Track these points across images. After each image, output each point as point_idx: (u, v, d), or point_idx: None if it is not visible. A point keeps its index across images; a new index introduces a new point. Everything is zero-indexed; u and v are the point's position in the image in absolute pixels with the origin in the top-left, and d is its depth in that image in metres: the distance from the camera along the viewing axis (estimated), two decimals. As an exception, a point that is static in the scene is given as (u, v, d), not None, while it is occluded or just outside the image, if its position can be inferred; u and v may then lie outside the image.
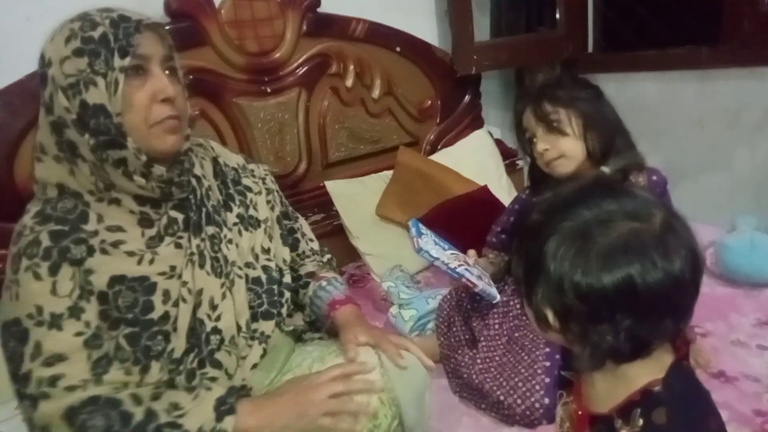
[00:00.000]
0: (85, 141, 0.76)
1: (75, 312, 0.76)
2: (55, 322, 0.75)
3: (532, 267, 0.59)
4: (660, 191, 1.19)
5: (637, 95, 2.26)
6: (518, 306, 1.26)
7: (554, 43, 2.30)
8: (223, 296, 0.87)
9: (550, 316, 0.59)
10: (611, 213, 0.56)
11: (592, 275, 0.54)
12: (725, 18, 1.93)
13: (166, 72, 0.81)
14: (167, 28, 1.50)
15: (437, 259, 1.11)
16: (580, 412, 0.66)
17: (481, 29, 2.37)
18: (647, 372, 0.59)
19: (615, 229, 0.55)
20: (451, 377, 1.25)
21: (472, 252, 1.22)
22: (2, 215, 1.24)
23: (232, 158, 1.04)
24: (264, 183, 1.05)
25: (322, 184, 1.85)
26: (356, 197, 1.84)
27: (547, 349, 1.16)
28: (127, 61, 0.75)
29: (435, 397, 1.14)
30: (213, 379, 0.84)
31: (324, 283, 1.07)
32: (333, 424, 0.81)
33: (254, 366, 0.90)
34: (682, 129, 2.12)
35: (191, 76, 1.58)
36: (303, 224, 1.16)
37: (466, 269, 1.12)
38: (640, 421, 0.56)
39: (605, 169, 1.14)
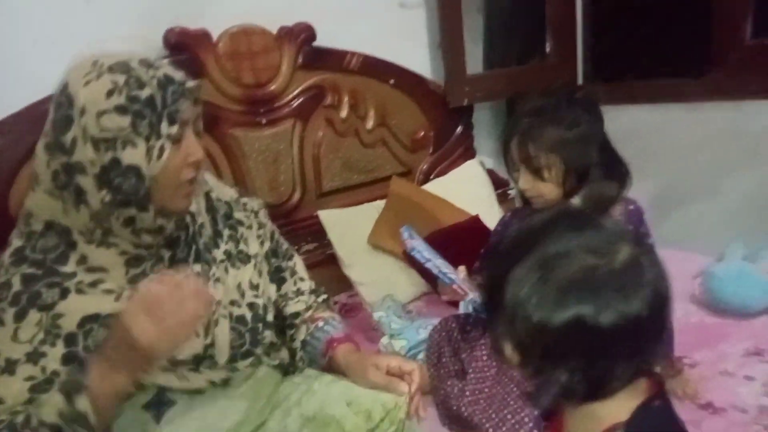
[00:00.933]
0: (99, 195, 0.75)
1: (33, 357, 0.75)
2: (9, 367, 0.75)
3: (492, 296, 0.59)
4: (637, 221, 1.20)
5: (627, 125, 2.28)
6: None
7: (545, 73, 2.35)
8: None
9: (508, 348, 0.58)
10: (571, 247, 0.55)
11: (545, 310, 0.53)
12: (712, 50, 1.98)
13: (195, 132, 0.82)
14: (167, 60, 1.58)
15: (429, 260, 1.11)
16: None
17: (474, 60, 2.42)
18: (613, 413, 0.58)
19: (573, 264, 0.53)
20: (440, 408, 1.25)
21: (462, 268, 1.22)
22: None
23: (225, 192, 1.04)
24: (256, 216, 1.05)
25: (315, 214, 1.87)
26: (349, 226, 1.86)
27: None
28: (175, 129, 0.76)
29: (424, 427, 1.13)
30: None
31: (321, 324, 1.06)
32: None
33: None
34: (672, 158, 2.16)
35: (187, 108, 1.62)
36: (297, 263, 1.14)
37: (458, 278, 1.12)
38: None
39: (575, 201, 1.14)
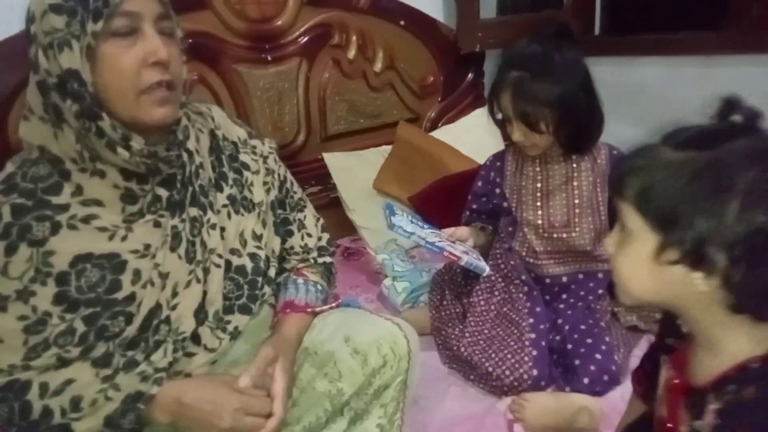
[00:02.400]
0: (68, 107, 0.70)
1: (24, 295, 0.72)
2: (1, 303, 0.72)
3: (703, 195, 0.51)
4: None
5: (641, 79, 2.24)
6: (501, 281, 1.26)
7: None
8: (187, 284, 0.81)
9: (714, 251, 0.51)
10: None
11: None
12: (731, 2, 1.91)
13: (161, 33, 0.73)
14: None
15: (413, 234, 1.07)
16: (676, 381, 0.63)
17: (487, 6, 2.34)
18: (751, 347, 0.55)
19: None
20: (441, 349, 1.26)
21: (448, 230, 1.19)
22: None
23: (233, 131, 0.95)
24: (265, 162, 0.96)
25: (320, 157, 1.84)
26: (354, 170, 1.83)
27: (531, 320, 1.17)
28: (100, 25, 0.68)
29: (424, 367, 1.14)
30: (158, 370, 0.78)
31: (300, 281, 0.97)
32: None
33: (214, 362, 0.85)
34: (682, 115, 2.11)
35: (190, 40, 1.56)
36: (308, 216, 1.04)
37: (449, 244, 1.10)
38: (730, 396, 0.54)
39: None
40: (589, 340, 1.12)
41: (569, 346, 1.13)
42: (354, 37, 1.88)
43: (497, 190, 1.29)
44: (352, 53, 1.89)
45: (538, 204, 1.23)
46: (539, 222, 1.22)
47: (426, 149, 1.88)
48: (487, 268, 1.13)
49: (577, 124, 1.13)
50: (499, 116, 1.19)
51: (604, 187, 1.21)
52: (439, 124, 2.14)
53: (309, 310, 0.94)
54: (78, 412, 0.73)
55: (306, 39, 1.79)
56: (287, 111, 1.80)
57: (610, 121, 2.26)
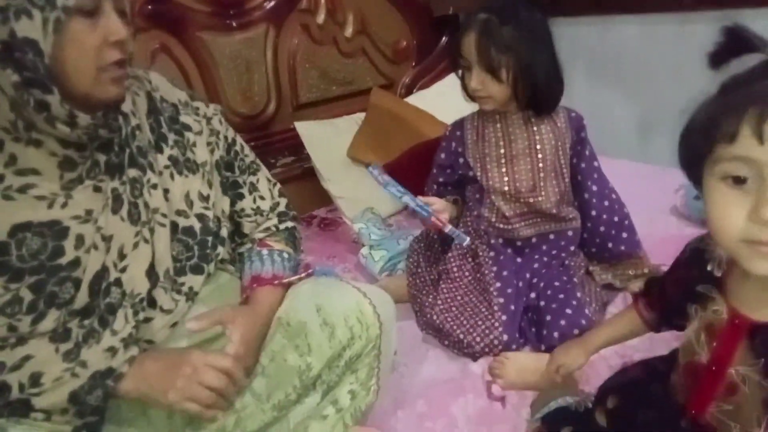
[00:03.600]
0: (6, 75, 0.67)
1: None
2: None
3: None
4: (578, 127, 1.22)
5: (617, 40, 2.22)
6: (472, 248, 1.25)
7: (534, -18, 2.23)
8: (135, 246, 0.80)
9: None
10: None
11: None
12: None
13: (117, 11, 0.73)
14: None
15: (406, 193, 1.08)
16: (737, 321, 0.61)
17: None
18: None
19: None
20: (419, 315, 1.26)
21: (424, 199, 1.17)
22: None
23: (173, 94, 0.94)
24: (209, 123, 0.95)
25: (292, 126, 1.80)
26: (327, 139, 1.80)
27: (498, 284, 1.16)
28: (72, 1, 0.67)
29: (401, 333, 1.14)
30: (124, 340, 0.77)
31: (264, 252, 0.96)
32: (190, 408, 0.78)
33: (174, 324, 0.84)
34: (661, 75, 2.10)
35: (149, 6, 1.50)
36: (260, 179, 1.03)
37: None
38: None
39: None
40: (561, 296, 1.13)
41: (542, 303, 1.14)
42: (323, 1, 1.82)
43: (461, 160, 1.26)
44: (321, 18, 1.83)
45: (504, 170, 1.21)
46: (506, 188, 1.21)
47: (401, 115, 1.85)
48: (467, 239, 1.13)
49: (536, 80, 1.11)
50: (462, 64, 1.15)
51: (565, 150, 1.20)
52: (414, 90, 2.11)
53: (276, 282, 0.93)
54: (38, 387, 0.72)
55: (272, 3, 1.73)
56: (256, 80, 1.75)
57: (588, 82, 2.27)
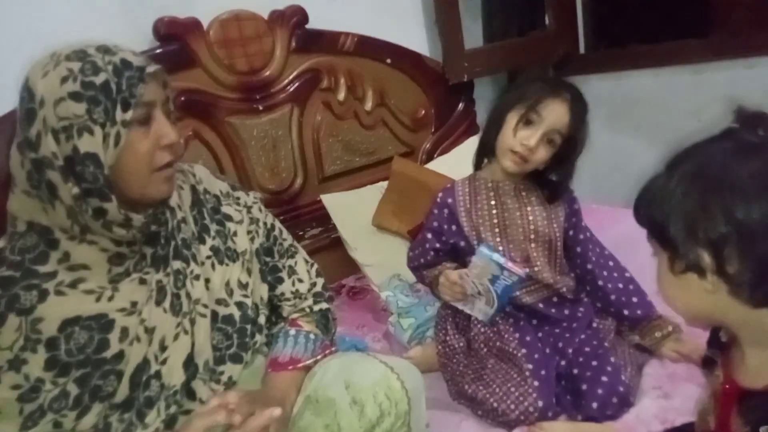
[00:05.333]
0: (67, 188, 0.73)
1: (15, 364, 0.74)
2: None
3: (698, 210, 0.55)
4: (570, 199, 1.26)
5: (632, 91, 2.26)
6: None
7: (545, 44, 2.31)
8: (175, 337, 0.83)
9: (699, 252, 0.55)
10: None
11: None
12: (714, 10, 1.93)
13: (166, 115, 0.80)
14: (158, 51, 1.57)
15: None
16: (727, 386, 0.63)
17: (474, 36, 2.39)
18: None
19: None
20: (450, 384, 1.24)
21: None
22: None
23: (215, 185, 0.99)
24: (249, 212, 0.99)
25: (318, 198, 1.86)
26: (353, 209, 1.85)
27: (524, 350, 1.15)
28: (130, 114, 0.74)
29: (433, 404, 1.13)
30: (146, 426, 0.79)
31: (291, 332, 0.97)
32: None
33: None
34: (679, 121, 2.11)
35: (183, 98, 1.61)
36: (299, 261, 1.06)
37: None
38: None
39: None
40: (594, 362, 1.10)
41: (575, 371, 1.11)
42: (342, 79, 1.92)
43: (453, 227, 1.25)
44: (342, 95, 1.92)
45: (498, 240, 1.22)
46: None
47: (422, 181, 1.89)
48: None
49: (568, 163, 1.17)
50: (530, 118, 1.14)
51: (559, 223, 1.22)
52: (435, 155, 2.16)
53: (291, 367, 0.93)
54: None
55: (296, 85, 1.83)
56: (283, 156, 1.83)
57: (608, 133, 2.29)
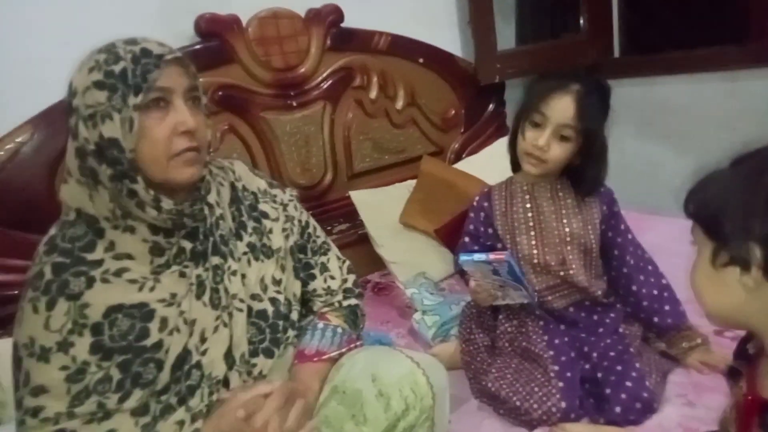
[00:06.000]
0: (103, 170, 0.77)
1: (63, 346, 0.78)
2: (44, 355, 0.77)
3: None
4: (609, 201, 1.25)
5: (665, 97, 2.24)
6: (519, 315, 1.26)
7: (578, 48, 2.30)
8: (215, 330, 0.86)
9: (751, 246, 0.55)
10: None
11: None
12: (752, 16, 1.90)
13: (189, 103, 0.82)
14: (198, 47, 1.62)
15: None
16: (749, 397, 0.63)
17: (506, 37, 2.39)
18: None
19: None
20: (473, 382, 1.26)
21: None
22: (44, 229, 1.33)
23: (253, 182, 1.01)
24: (285, 210, 1.01)
25: (347, 195, 1.89)
26: (380, 206, 1.87)
27: (551, 352, 1.16)
28: (140, 98, 0.76)
29: (455, 402, 1.15)
30: (194, 416, 0.83)
31: (320, 325, 1.00)
32: None
33: None
34: (712, 130, 2.08)
35: (220, 93, 1.66)
36: (331, 258, 1.08)
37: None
38: None
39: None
40: (619, 367, 1.11)
41: (599, 375, 1.12)
42: (375, 78, 1.95)
43: (489, 230, 1.28)
44: (373, 93, 1.95)
45: (533, 243, 1.22)
46: (535, 261, 1.22)
47: (450, 181, 1.91)
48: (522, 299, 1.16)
49: (592, 156, 1.15)
50: (536, 120, 1.14)
51: (594, 225, 1.22)
52: (463, 156, 2.18)
53: (316, 359, 0.96)
54: None
55: (329, 83, 1.86)
56: (314, 153, 1.87)
57: (639, 140, 2.27)
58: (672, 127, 2.24)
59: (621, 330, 1.21)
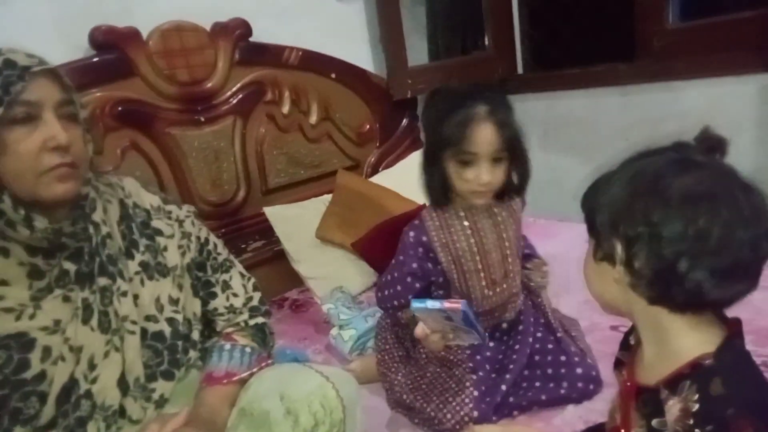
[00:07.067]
0: None
1: None
2: None
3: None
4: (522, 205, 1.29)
5: (566, 111, 2.37)
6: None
7: (485, 64, 2.40)
8: (105, 355, 0.81)
9: (614, 242, 0.59)
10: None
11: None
12: (637, 36, 2.06)
13: (63, 117, 0.77)
14: (95, 60, 1.54)
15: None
16: (628, 383, 0.67)
17: (420, 53, 2.46)
18: (698, 345, 0.58)
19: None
20: (389, 393, 1.26)
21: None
22: None
23: (145, 198, 0.97)
24: (181, 226, 0.97)
25: (262, 211, 1.85)
26: (296, 221, 1.85)
27: (478, 357, 1.18)
28: (0, 112, 0.71)
29: (372, 413, 1.14)
30: None
31: (227, 346, 0.95)
32: None
33: None
34: (608, 141, 2.23)
35: (119, 108, 1.58)
36: (233, 276, 1.04)
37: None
38: (696, 396, 0.55)
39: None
40: (562, 356, 1.18)
41: (548, 358, 1.19)
42: (287, 93, 1.93)
43: (430, 265, 1.20)
44: (286, 108, 1.93)
45: (479, 267, 1.18)
46: (483, 283, 1.19)
47: (366, 194, 1.92)
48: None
49: (519, 157, 1.11)
50: (465, 159, 1.06)
51: (519, 221, 1.26)
52: (380, 169, 2.20)
53: (225, 381, 0.92)
54: None
55: (239, 98, 1.82)
56: (225, 168, 1.82)
57: (543, 151, 2.39)
58: (573, 138, 2.38)
59: (542, 320, 1.28)
